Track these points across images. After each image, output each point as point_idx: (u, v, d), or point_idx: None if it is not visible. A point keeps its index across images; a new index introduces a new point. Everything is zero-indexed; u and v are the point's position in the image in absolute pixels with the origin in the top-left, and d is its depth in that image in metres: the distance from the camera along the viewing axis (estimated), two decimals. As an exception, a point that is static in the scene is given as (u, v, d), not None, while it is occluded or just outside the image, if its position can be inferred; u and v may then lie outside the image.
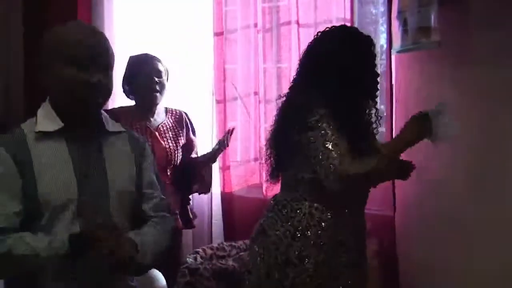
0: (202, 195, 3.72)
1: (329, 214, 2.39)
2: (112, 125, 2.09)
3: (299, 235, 2.38)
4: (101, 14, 4.12)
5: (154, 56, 3.33)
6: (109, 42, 1.98)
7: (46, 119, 1.96)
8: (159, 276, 2.97)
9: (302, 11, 3.31)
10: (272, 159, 2.54)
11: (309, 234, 2.37)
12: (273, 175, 2.57)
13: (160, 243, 2.08)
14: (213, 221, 3.86)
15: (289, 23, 3.35)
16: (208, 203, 3.84)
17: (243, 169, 3.69)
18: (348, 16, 3.15)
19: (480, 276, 2.50)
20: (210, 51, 3.66)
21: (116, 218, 1.98)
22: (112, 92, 2.00)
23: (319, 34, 2.47)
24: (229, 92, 3.64)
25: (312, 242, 2.36)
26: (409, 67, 3.01)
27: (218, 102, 3.66)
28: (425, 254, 2.98)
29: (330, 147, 2.25)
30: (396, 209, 3.20)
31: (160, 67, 3.29)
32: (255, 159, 3.71)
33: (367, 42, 2.43)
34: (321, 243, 2.37)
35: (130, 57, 3.38)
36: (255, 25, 3.49)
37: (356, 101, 2.38)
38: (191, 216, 3.47)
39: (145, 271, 2.07)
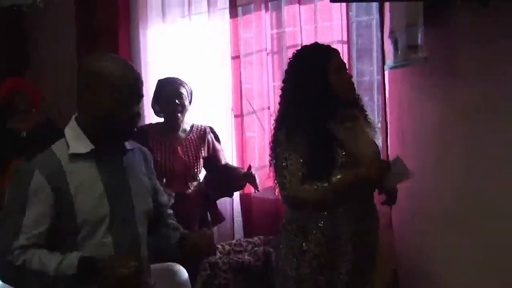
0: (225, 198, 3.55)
1: (325, 212, 2.23)
2: (128, 143, 1.91)
3: (300, 232, 2.26)
4: (138, 43, 4.04)
5: (177, 80, 3.24)
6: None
7: (77, 141, 1.79)
8: (181, 269, 2.76)
9: (305, 35, 3.12)
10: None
11: (308, 231, 2.24)
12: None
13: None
14: (234, 219, 3.64)
15: (295, 46, 3.13)
16: (230, 204, 3.64)
17: (259, 173, 3.47)
18: (345, 38, 2.91)
19: (467, 267, 2.33)
20: (229, 73, 3.50)
21: (140, 232, 1.87)
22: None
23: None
24: (246, 107, 3.47)
25: (310, 238, 2.23)
26: (402, 82, 2.79)
27: (236, 116, 3.50)
28: (419, 247, 2.75)
29: (285, 168, 2.17)
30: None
31: (182, 89, 3.19)
32: (269, 165, 3.49)
33: (312, 54, 2.27)
34: (319, 239, 2.23)
35: (158, 80, 3.31)
36: (266, 49, 3.32)
37: (309, 117, 2.18)
38: (209, 218, 3.34)
39: None
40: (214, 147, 3.30)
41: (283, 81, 2.34)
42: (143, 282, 1.85)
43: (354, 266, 2.25)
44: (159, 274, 2.65)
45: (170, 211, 2.13)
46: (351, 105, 2.35)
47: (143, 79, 3.80)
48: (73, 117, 1.84)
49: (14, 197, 1.74)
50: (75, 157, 1.77)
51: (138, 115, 1.80)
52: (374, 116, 3.09)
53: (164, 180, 2.98)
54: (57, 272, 1.65)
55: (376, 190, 2.32)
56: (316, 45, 2.38)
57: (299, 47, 3.05)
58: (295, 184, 2.14)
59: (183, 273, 2.77)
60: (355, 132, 2.29)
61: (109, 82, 1.73)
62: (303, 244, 2.24)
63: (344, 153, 2.21)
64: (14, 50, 5.11)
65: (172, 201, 2.85)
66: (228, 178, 3.28)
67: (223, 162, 3.33)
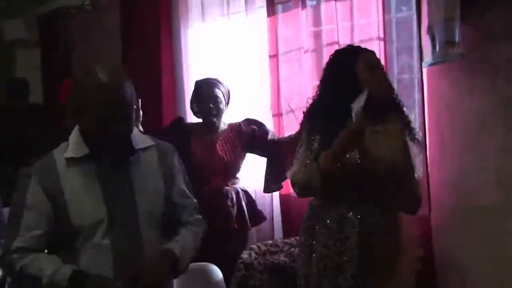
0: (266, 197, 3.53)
1: (332, 212, 2.23)
2: (139, 142, 1.90)
3: (308, 231, 2.29)
4: (179, 42, 4.05)
5: (213, 82, 3.25)
6: (126, 84, 1.79)
7: (75, 146, 1.81)
8: (215, 270, 2.76)
9: (342, 33, 3.05)
10: None
11: (315, 231, 2.26)
12: None
13: (197, 244, 1.98)
14: (274, 220, 3.60)
15: (332, 44, 3.08)
16: (270, 204, 3.59)
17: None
18: (382, 35, 2.83)
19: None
20: (267, 72, 3.46)
21: (145, 234, 1.83)
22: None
23: None
24: (284, 107, 3.41)
25: (317, 237, 2.24)
26: (440, 79, 2.70)
27: (274, 116, 3.44)
28: (460, 252, 2.66)
29: (296, 158, 2.24)
30: (431, 209, 2.83)
31: (217, 92, 3.22)
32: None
33: (342, 56, 2.31)
34: (326, 240, 2.22)
35: (195, 81, 3.35)
36: (303, 47, 3.26)
37: (332, 115, 2.20)
38: (247, 216, 3.29)
39: (184, 273, 1.94)
40: (253, 131, 3.25)
41: (320, 82, 2.37)
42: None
43: (360, 270, 2.19)
44: (192, 274, 2.66)
45: (192, 217, 2.03)
46: (389, 108, 2.27)
47: (184, 77, 3.94)
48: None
49: (16, 201, 1.82)
50: (72, 161, 1.80)
51: (127, 129, 1.78)
52: (414, 115, 3.00)
53: None
54: (50, 280, 1.70)
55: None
56: (346, 47, 2.40)
57: (336, 45, 3.05)
58: (295, 168, 2.21)
59: (218, 273, 2.77)
60: (383, 137, 2.21)
61: (89, 103, 1.74)
62: (312, 244, 2.24)
63: (358, 154, 2.17)
64: (60, 52, 5.25)
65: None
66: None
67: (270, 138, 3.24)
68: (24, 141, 4.36)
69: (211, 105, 3.20)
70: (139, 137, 1.92)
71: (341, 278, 2.20)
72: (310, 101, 2.38)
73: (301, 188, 2.22)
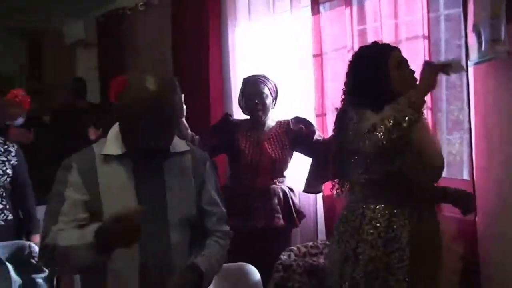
0: (310, 198, 3.50)
1: (380, 214, 2.18)
2: (176, 146, 1.91)
3: (354, 234, 2.22)
4: (227, 41, 4.11)
5: (259, 78, 3.25)
6: (174, 95, 1.81)
7: (113, 143, 1.84)
8: (253, 270, 2.75)
9: (386, 31, 2.97)
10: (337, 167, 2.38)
11: (363, 233, 2.19)
12: (340, 181, 2.41)
13: (222, 259, 1.98)
14: (318, 220, 3.56)
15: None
16: (314, 205, 3.56)
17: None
18: (426, 33, 2.74)
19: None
20: (311, 71, 3.43)
21: (173, 236, 1.84)
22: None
23: None
24: (328, 106, 3.36)
25: (365, 239, 2.17)
26: (486, 79, 2.58)
27: (317, 116, 3.41)
28: (506, 259, 2.54)
29: None
30: (477, 213, 2.72)
31: (263, 88, 3.20)
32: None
33: (372, 53, 2.28)
34: (374, 241, 2.16)
35: (243, 79, 3.36)
36: (347, 46, 3.20)
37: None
38: (294, 215, 3.27)
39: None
40: (301, 131, 3.24)
41: (345, 84, 2.33)
42: None
43: (411, 271, 2.14)
44: (230, 274, 2.67)
45: (221, 227, 2.02)
46: None
47: (231, 76, 3.97)
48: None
49: (56, 189, 1.84)
50: (109, 158, 1.83)
51: (168, 139, 1.81)
52: (462, 116, 2.90)
53: None
54: (78, 242, 1.66)
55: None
56: (374, 44, 2.36)
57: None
58: None
59: (255, 274, 2.75)
60: (421, 132, 2.19)
61: (133, 110, 1.77)
62: (358, 246, 2.18)
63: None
64: (115, 52, 5.39)
65: None
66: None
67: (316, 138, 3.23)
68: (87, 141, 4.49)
69: (257, 101, 3.20)
70: (176, 141, 1.94)
71: (392, 281, 2.15)
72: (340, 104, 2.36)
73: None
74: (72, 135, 4.86)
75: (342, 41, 3.23)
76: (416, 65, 2.31)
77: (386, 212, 2.19)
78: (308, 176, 3.23)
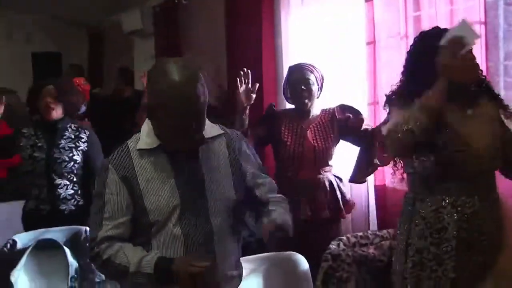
0: (361, 188, 3.46)
1: (429, 204, 2.16)
2: (210, 131, 1.92)
3: (405, 225, 2.23)
4: (279, 28, 4.12)
5: (305, 66, 3.22)
6: (200, 88, 1.77)
7: (147, 137, 1.87)
8: (302, 259, 2.74)
9: (442, 17, 2.89)
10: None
11: (412, 224, 2.20)
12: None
13: (289, 216, 1.92)
14: (370, 211, 3.52)
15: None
16: (365, 195, 3.53)
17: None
18: (483, 19, 2.65)
19: None
20: (363, 59, 3.37)
21: (215, 223, 1.86)
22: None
23: None
24: (380, 96, 3.26)
25: (414, 230, 2.18)
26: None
27: (369, 104, 3.34)
28: None
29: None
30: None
31: (309, 75, 3.16)
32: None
33: (428, 38, 2.24)
34: (422, 231, 2.16)
35: (288, 67, 3.34)
36: (400, 33, 3.13)
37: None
38: (342, 205, 3.24)
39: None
40: (347, 119, 3.20)
41: (404, 70, 2.31)
42: (225, 275, 1.88)
43: (459, 263, 2.11)
44: (278, 263, 2.68)
45: (274, 195, 2.00)
46: (479, 91, 2.23)
47: (284, 64, 3.96)
48: None
49: (97, 192, 1.88)
50: (144, 152, 1.85)
51: (197, 128, 1.80)
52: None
53: None
54: (136, 269, 1.75)
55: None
56: (432, 29, 2.31)
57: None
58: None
59: (304, 263, 2.75)
60: (471, 120, 2.15)
61: (155, 91, 1.78)
62: (409, 237, 2.19)
63: (447, 135, 2.11)
64: (171, 41, 5.47)
65: None
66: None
67: (365, 127, 3.18)
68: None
69: (303, 87, 3.15)
70: (209, 126, 1.94)
71: (440, 271, 2.13)
72: (394, 88, 2.32)
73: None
74: (114, 122, 4.96)
75: (396, 28, 3.15)
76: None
77: (435, 203, 2.17)
78: (355, 165, 3.19)
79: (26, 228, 3.39)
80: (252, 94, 3.11)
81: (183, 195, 1.83)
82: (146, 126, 1.89)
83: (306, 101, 3.18)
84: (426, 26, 2.99)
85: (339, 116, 3.22)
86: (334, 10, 3.64)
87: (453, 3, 2.84)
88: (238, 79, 3.08)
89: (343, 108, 3.25)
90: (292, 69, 3.29)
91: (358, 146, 3.20)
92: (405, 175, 2.37)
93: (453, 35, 2.03)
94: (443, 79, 2.04)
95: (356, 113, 3.22)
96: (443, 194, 2.16)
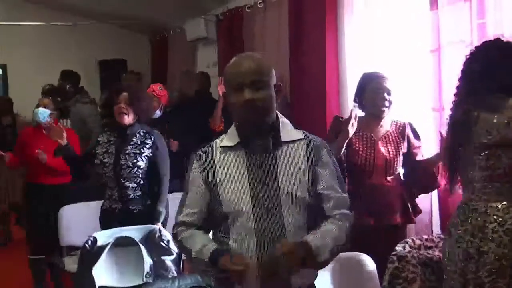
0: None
1: (505, 210, 2.18)
2: (288, 135, 2.04)
3: (476, 232, 2.22)
4: (343, 39, 4.20)
5: (383, 75, 3.25)
6: (263, 65, 1.97)
7: (230, 135, 2.05)
8: (368, 260, 2.84)
9: (508, 24, 2.91)
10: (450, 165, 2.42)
11: (487, 231, 2.19)
12: (452, 179, 2.45)
13: (340, 239, 1.99)
14: (433, 215, 3.56)
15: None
16: (429, 199, 3.55)
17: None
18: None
19: None
20: (428, 66, 3.42)
21: (287, 220, 1.97)
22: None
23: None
24: (445, 102, 3.29)
25: (490, 237, 2.18)
26: None
27: (433, 110, 3.38)
28: None
29: None
30: None
31: (388, 84, 3.19)
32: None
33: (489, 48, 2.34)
34: (500, 239, 2.16)
35: (363, 73, 3.35)
36: (465, 40, 3.16)
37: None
38: (411, 211, 3.30)
39: (324, 266, 2.00)
40: (411, 143, 3.27)
41: (462, 77, 2.40)
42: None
43: None
44: (346, 263, 2.78)
45: (339, 211, 2.04)
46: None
47: (345, 70, 4.05)
48: None
49: (186, 180, 2.11)
50: (225, 148, 2.02)
51: (257, 100, 1.91)
52: None
53: None
54: (197, 254, 1.97)
55: None
56: (494, 40, 2.41)
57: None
58: None
59: (371, 263, 2.84)
60: None
61: (225, 77, 2.00)
62: (481, 244, 2.19)
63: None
64: (234, 48, 5.63)
65: None
66: (423, 176, 3.23)
67: (419, 158, 3.27)
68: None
69: (385, 95, 3.18)
70: (289, 131, 2.05)
71: None
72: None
73: None
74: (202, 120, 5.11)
75: (461, 35, 3.18)
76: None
77: (508, 209, 2.19)
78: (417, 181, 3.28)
79: (102, 226, 3.62)
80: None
81: (256, 192, 1.96)
82: (233, 126, 2.06)
83: (385, 109, 3.20)
84: (491, 33, 3.03)
85: (408, 133, 3.27)
86: (398, 17, 3.71)
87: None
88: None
89: (413, 129, 3.30)
90: (370, 76, 3.27)
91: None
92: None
93: None
94: None
95: (418, 140, 3.29)
96: None
